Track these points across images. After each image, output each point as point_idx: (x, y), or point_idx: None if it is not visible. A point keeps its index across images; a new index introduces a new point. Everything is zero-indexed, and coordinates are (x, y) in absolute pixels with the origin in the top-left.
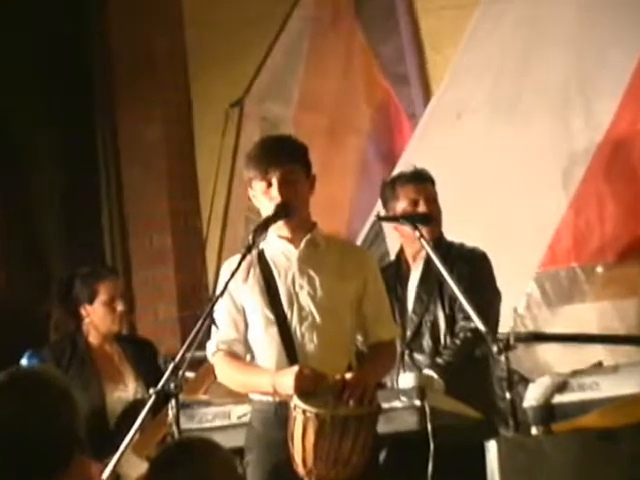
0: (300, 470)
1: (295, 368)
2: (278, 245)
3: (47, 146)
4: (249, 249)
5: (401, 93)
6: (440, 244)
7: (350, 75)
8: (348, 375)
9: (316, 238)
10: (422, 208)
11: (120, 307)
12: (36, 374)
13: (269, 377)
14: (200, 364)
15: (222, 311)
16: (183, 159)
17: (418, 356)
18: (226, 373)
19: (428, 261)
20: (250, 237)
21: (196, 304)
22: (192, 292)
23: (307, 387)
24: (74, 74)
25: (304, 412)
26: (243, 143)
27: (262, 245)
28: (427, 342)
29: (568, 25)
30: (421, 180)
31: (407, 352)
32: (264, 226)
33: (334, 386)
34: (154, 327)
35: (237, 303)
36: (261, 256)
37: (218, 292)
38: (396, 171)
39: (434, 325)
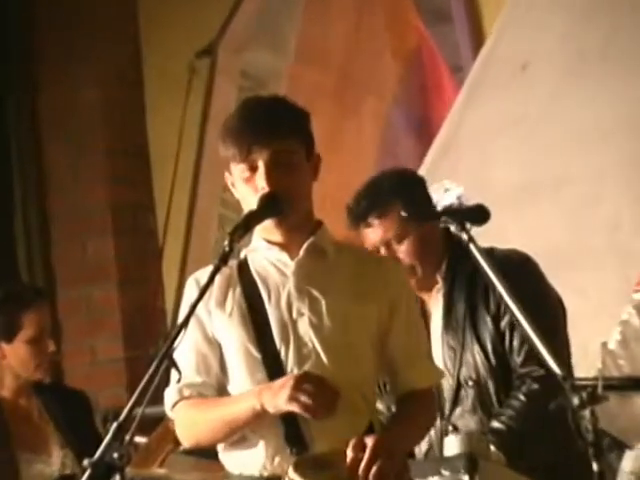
0: None
1: (294, 375)
2: (267, 254)
3: None
4: (225, 259)
5: (442, 37)
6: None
7: (368, 13)
8: (369, 439)
9: (322, 244)
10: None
11: (52, 347)
12: None
13: (254, 393)
14: (156, 424)
15: (187, 347)
16: (129, 133)
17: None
18: (190, 420)
19: (450, 292)
20: (226, 242)
21: (150, 338)
22: (144, 321)
23: (310, 397)
24: None
25: None
26: (215, 109)
27: (245, 253)
28: (474, 410)
29: None
30: (367, 215)
31: (450, 429)
32: (246, 226)
33: (347, 454)
34: (90, 370)
35: (209, 335)
36: (243, 269)
37: (181, 320)
38: (432, 151)
39: (479, 384)
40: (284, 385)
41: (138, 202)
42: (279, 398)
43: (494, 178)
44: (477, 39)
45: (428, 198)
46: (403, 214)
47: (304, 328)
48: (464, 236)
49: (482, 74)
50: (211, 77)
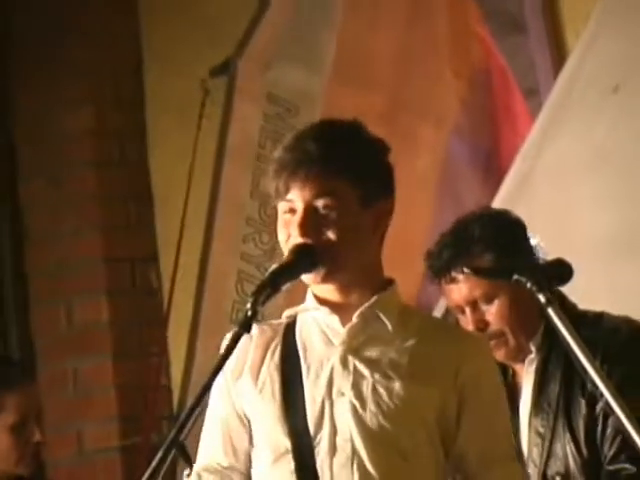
0: None
1: None
2: (317, 316)
3: None
4: (247, 326)
5: (514, 52)
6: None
7: (424, 21)
8: None
9: (383, 308)
10: (469, 323)
11: (37, 436)
12: None
13: None
14: None
15: (214, 422)
16: (127, 169)
17: None
18: None
19: (544, 365)
20: (249, 305)
21: (151, 422)
22: (144, 401)
23: None
24: None
25: None
26: (234, 139)
27: (296, 312)
28: None
29: None
30: (450, 269)
31: None
32: (273, 285)
33: None
34: (76, 462)
35: (238, 410)
36: (289, 333)
37: (199, 392)
38: (502, 192)
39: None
40: None
41: (137, 255)
42: None
43: (579, 226)
44: (558, 55)
45: (528, 249)
46: (467, 270)
47: (342, 412)
48: (542, 298)
49: (564, 98)
50: (229, 100)
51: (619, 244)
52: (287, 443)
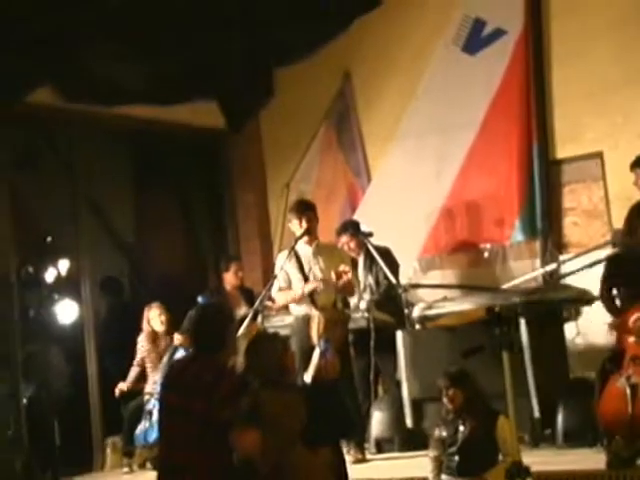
0: (315, 339)
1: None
2: (303, 246)
3: (202, 205)
4: (293, 248)
5: (358, 178)
6: (368, 248)
7: (337, 172)
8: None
9: (319, 243)
10: (348, 250)
11: (240, 274)
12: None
13: (301, 288)
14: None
15: (280, 275)
16: (264, 215)
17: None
18: (282, 296)
19: (366, 256)
20: (293, 244)
21: (269, 272)
22: (267, 267)
23: (317, 288)
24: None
25: (318, 317)
26: (290, 206)
27: (297, 247)
28: (370, 293)
29: None
30: (341, 234)
31: (365, 298)
32: (298, 239)
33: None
34: (251, 284)
35: (285, 271)
36: (296, 250)
37: (277, 270)
38: (355, 215)
39: (370, 287)
40: (310, 285)
41: (266, 236)
42: (308, 288)
43: (382, 223)
44: (369, 175)
45: (360, 228)
46: (347, 235)
47: (316, 270)
48: (366, 241)
49: (370, 194)
50: (287, 196)
51: (380, 214)
52: (302, 277)
